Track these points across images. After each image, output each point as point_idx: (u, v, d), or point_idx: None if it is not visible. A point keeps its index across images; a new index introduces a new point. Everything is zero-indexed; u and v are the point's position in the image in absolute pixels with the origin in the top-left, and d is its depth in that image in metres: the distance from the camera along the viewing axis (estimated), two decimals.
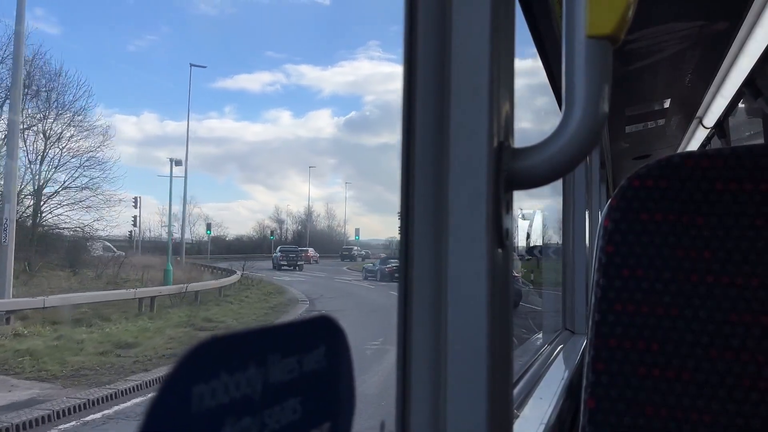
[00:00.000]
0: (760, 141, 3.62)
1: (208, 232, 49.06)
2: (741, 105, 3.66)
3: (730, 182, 1.21)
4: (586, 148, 0.73)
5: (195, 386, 0.38)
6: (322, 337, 0.53)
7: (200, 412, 0.38)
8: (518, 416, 1.43)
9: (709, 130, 4.02)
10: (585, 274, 2.68)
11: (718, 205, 1.22)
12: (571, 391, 1.68)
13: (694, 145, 4.50)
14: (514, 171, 0.76)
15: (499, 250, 0.74)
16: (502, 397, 0.76)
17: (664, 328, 1.21)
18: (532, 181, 0.76)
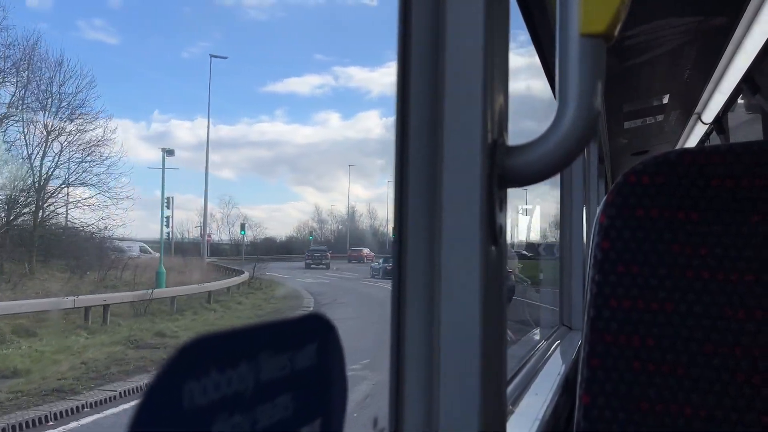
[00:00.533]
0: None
1: (242, 232, 48.27)
2: (740, 101, 3.66)
3: (726, 178, 1.22)
4: (579, 145, 0.73)
5: (185, 384, 0.38)
6: (314, 334, 0.53)
7: (190, 410, 0.38)
8: (514, 412, 1.43)
9: (707, 126, 4.02)
10: (582, 270, 2.68)
11: (714, 201, 1.22)
12: (566, 386, 1.69)
13: (692, 141, 4.51)
14: (507, 168, 0.76)
15: (493, 248, 0.74)
16: (495, 393, 0.76)
17: (660, 324, 1.22)
18: (526, 178, 0.76)
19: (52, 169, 24.47)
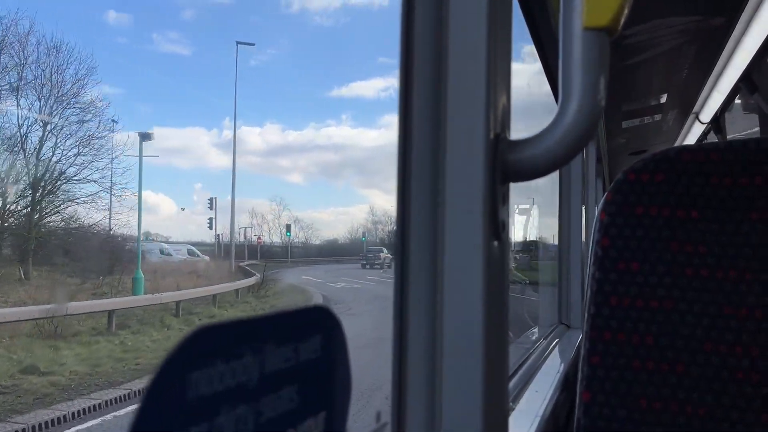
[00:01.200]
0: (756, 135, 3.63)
1: (288, 234, 48.19)
2: (737, 100, 3.67)
3: (725, 176, 1.22)
4: (582, 139, 0.73)
5: (189, 375, 0.38)
6: (318, 326, 0.53)
7: (195, 400, 0.38)
8: (514, 409, 1.43)
9: (705, 125, 4.03)
10: (581, 268, 2.68)
11: (713, 199, 1.22)
12: (566, 384, 1.69)
13: (690, 140, 4.51)
14: (510, 163, 0.75)
15: (495, 243, 0.74)
16: (497, 389, 0.76)
17: (659, 322, 1.22)
18: (529, 173, 0.76)
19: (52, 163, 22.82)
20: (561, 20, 0.73)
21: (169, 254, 33.57)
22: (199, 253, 34.60)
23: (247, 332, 0.44)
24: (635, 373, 1.21)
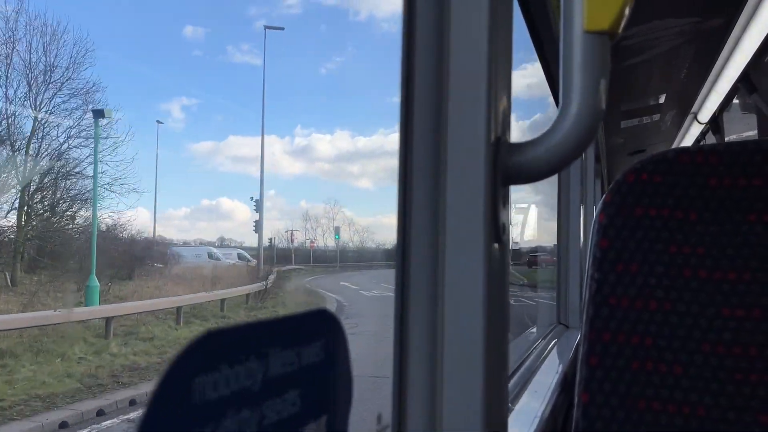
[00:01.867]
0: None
1: (337, 237, 46.67)
2: (735, 101, 3.68)
3: (723, 178, 1.22)
4: (583, 142, 0.73)
5: (194, 379, 0.38)
6: (321, 330, 0.53)
7: (200, 404, 0.38)
8: (512, 410, 1.43)
9: (703, 125, 4.03)
10: (579, 268, 2.68)
11: (711, 200, 1.23)
12: (565, 385, 1.69)
13: (688, 140, 4.52)
14: (511, 166, 0.76)
15: (496, 245, 0.74)
16: (497, 391, 0.76)
17: (657, 323, 1.22)
18: (530, 175, 0.76)
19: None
20: (562, 23, 0.73)
21: (217, 258, 33.44)
22: (249, 257, 33.99)
23: (252, 336, 0.44)
24: (634, 374, 1.22)
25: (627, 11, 0.71)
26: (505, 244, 0.77)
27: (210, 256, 34.31)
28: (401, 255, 0.73)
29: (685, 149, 1.27)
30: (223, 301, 18.17)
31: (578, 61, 0.72)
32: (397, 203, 0.73)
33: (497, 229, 0.74)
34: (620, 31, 0.72)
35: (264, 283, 21.74)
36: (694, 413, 1.19)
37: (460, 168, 0.72)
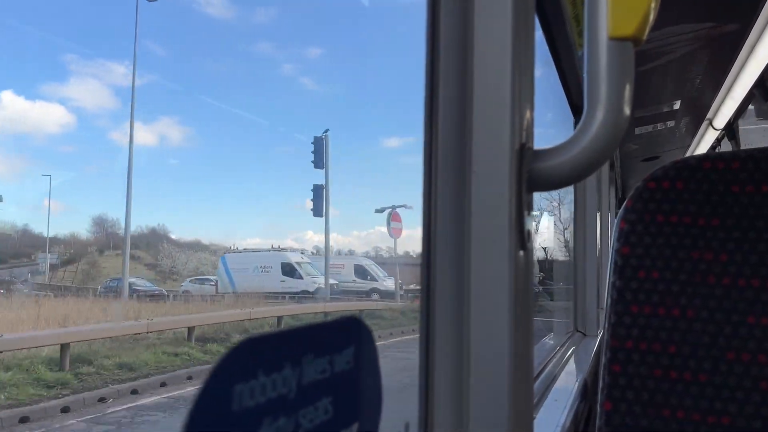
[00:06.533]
0: None
1: None
2: (751, 107, 3.65)
3: (746, 184, 1.21)
4: (608, 149, 0.73)
5: (235, 386, 0.38)
6: (352, 338, 0.53)
7: (240, 412, 0.38)
8: (534, 418, 1.42)
9: (719, 131, 4.01)
10: (596, 275, 2.67)
11: (733, 207, 1.22)
12: (585, 393, 1.68)
13: (703, 146, 4.49)
14: (535, 172, 0.76)
15: (521, 252, 0.74)
16: (523, 398, 0.76)
17: (681, 330, 1.21)
18: (554, 182, 0.76)
19: None
20: (586, 30, 0.73)
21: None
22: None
23: (287, 344, 0.44)
24: (657, 382, 1.21)
25: (651, 17, 0.71)
26: (529, 252, 0.77)
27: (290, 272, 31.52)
28: (426, 261, 0.73)
29: (707, 156, 1.26)
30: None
31: (602, 67, 0.72)
32: (422, 209, 0.74)
33: (522, 236, 0.74)
34: (644, 37, 0.72)
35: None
36: (719, 422, 1.17)
37: (485, 174, 0.72)
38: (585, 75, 0.73)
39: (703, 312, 1.20)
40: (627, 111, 0.73)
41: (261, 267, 32.39)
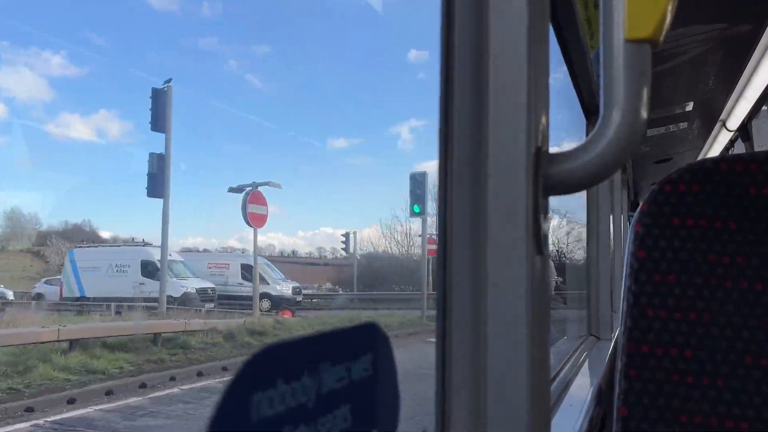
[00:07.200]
0: None
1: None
2: (765, 107, 3.62)
3: (764, 187, 1.20)
4: (625, 152, 0.72)
5: (256, 394, 0.38)
6: (369, 344, 0.53)
7: (260, 421, 0.38)
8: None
9: (732, 133, 3.98)
10: (610, 279, 2.65)
11: (751, 210, 1.20)
12: (599, 398, 1.67)
13: (717, 148, 4.46)
14: (551, 176, 0.75)
15: (538, 257, 0.74)
16: (541, 402, 0.75)
17: (698, 335, 1.20)
18: (570, 186, 0.76)
19: None
20: (601, 32, 0.72)
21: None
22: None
23: (306, 351, 0.44)
24: (674, 387, 1.19)
25: (668, 19, 0.70)
26: (546, 256, 0.76)
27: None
28: (443, 265, 0.72)
29: (723, 157, 1.24)
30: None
31: (619, 70, 0.72)
32: (437, 213, 0.73)
33: (539, 241, 0.73)
34: (662, 39, 0.72)
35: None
36: (737, 427, 1.16)
37: (502, 178, 0.72)
38: (601, 77, 0.73)
39: (720, 316, 1.19)
40: (644, 114, 0.72)
41: (116, 266, 25.19)
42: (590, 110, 2.43)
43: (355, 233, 33.96)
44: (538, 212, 0.73)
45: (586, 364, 2.14)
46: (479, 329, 0.71)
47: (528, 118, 0.72)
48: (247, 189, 22.32)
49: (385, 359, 0.55)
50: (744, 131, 3.81)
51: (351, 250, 34.01)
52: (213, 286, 24.62)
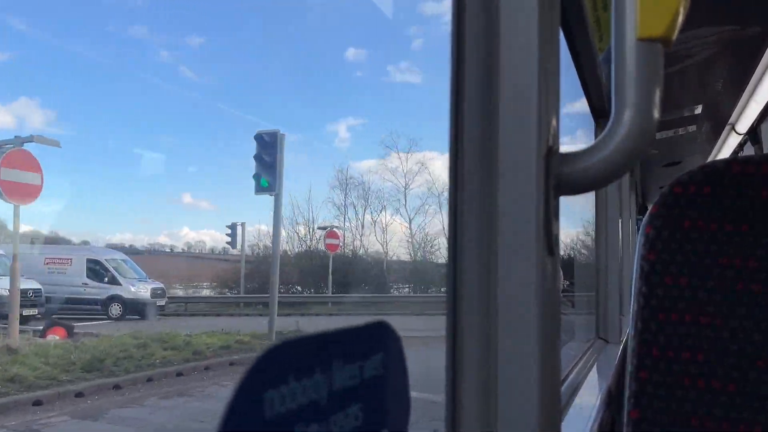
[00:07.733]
0: None
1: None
2: None
3: None
4: (636, 152, 0.72)
5: (268, 391, 0.38)
6: (380, 343, 0.53)
7: (272, 419, 0.38)
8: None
9: (741, 136, 3.96)
10: (618, 281, 2.64)
11: (763, 212, 1.19)
12: (609, 401, 1.66)
13: (726, 151, 4.44)
14: (562, 176, 0.75)
15: (549, 258, 0.73)
16: (551, 402, 0.75)
17: (709, 338, 1.19)
18: (581, 186, 0.75)
19: None
20: (613, 32, 0.72)
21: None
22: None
23: (318, 348, 0.44)
24: (685, 391, 1.18)
25: (681, 17, 0.70)
26: (556, 257, 0.76)
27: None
28: (453, 265, 0.72)
29: (735, 159, 1.23)
30: None
31: (631, 69, 0.71)
32: (448, 212, 0.73)
33: (550, 241, 0.73)
34: (674, 38, 0.71)
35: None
36: (749, 431, 1.15)
37: (513, 178, 0.71)
38: (612, 77, 0.72)
39: (731, 320, 1.18)
40: (656, 114, 0.72)
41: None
42: (598, 110, 2.42)
43: (243, 224, 29.14)
44: (549, 212, 0.73)
45: (595, 367, 2.13)
46: (489, 330, 0.71)
47: (539, 118, 0.72)
48: (5, 147, 14.22)
49: (396, 359, 0.55)
50: (753, 134, 3.79)
51: (238, 246, 29.15)
52: (38, 287, 18.26)
